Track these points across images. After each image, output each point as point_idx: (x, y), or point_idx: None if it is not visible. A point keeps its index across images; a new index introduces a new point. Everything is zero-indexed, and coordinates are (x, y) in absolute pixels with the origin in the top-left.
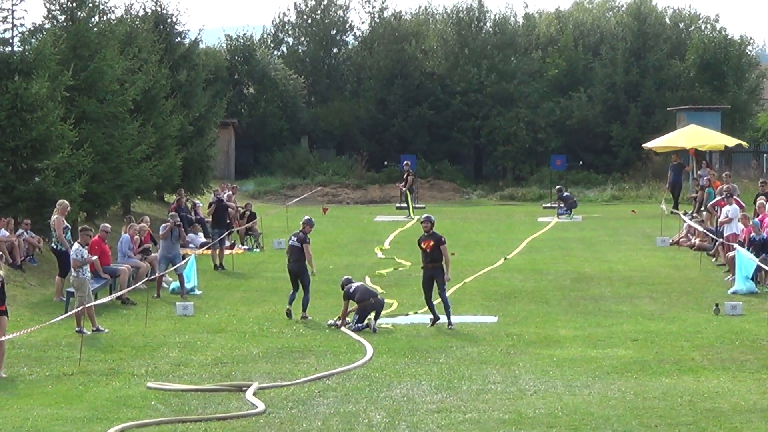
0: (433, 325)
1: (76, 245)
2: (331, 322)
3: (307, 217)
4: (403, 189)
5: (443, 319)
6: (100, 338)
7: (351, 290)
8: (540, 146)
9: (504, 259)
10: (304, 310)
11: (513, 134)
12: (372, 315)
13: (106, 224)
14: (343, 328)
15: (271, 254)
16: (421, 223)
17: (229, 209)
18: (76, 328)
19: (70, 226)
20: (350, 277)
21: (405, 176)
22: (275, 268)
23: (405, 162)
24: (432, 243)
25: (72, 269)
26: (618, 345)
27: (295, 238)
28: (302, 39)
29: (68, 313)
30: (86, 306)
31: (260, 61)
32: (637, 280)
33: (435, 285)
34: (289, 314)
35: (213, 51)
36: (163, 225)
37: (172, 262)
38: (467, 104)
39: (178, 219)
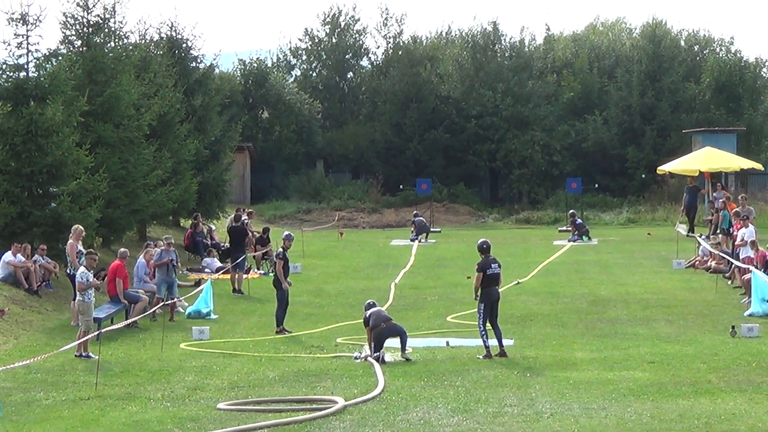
0: (485, 357)
1: (81, 269)
2: (357, 357)
3: (286, 233)
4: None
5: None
6: (117, 363)
7: (367, 316)
8: (555, 169)
9: (517, 282)
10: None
11: (528, 157)
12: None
13: (125, 249)
14: (369, 359)
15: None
16: None
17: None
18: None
19: (84, 251)
20: (373, 301)
21: (413, 230)
22: (291, 292)
23: (416, 214)
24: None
25: (77, 293)
26: (634, 367)
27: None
28: (314, 64)
29: (80, 340)
30: (88, 333)
31: (274, 86)
32: (653, 302)
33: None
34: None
35: (227, 75)
36: (157, 252)
37: (171, 285)
38: (482, 127)
39: (173, 258)
